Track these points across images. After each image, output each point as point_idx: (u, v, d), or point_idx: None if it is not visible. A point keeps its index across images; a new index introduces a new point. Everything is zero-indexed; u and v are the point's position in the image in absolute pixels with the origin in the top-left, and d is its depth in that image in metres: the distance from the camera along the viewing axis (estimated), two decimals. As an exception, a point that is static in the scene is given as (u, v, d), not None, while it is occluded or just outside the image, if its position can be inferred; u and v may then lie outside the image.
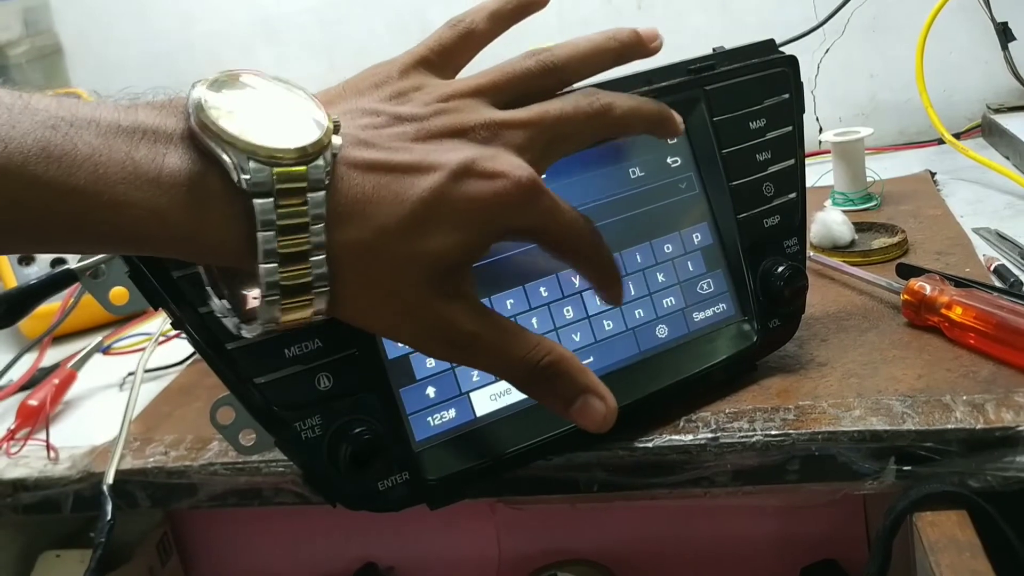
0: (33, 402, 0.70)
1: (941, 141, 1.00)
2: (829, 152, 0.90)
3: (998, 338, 0.55)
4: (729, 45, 0.57)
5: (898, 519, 0.49)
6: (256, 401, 0.46)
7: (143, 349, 0.75)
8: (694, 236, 0.58)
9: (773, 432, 0.52)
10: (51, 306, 0.75)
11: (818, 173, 0.95)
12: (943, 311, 0.59)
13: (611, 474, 0.54)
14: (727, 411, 0.55)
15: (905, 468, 0.51)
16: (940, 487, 0.49)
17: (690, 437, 0.53)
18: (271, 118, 0.37)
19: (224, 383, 0.46)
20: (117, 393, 0.76)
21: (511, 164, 0.40)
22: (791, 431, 0.52)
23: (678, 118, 0.49)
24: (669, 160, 0.57)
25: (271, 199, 0.36)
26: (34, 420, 0.68)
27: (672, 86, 0.55)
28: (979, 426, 0.50)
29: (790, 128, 0.58)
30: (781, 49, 0.58)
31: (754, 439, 0.52)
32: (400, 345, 0.50)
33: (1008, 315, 0.55)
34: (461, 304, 0.41)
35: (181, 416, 0.67)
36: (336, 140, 0.38)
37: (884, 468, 0.51)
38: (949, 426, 0.50)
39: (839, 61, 1.12)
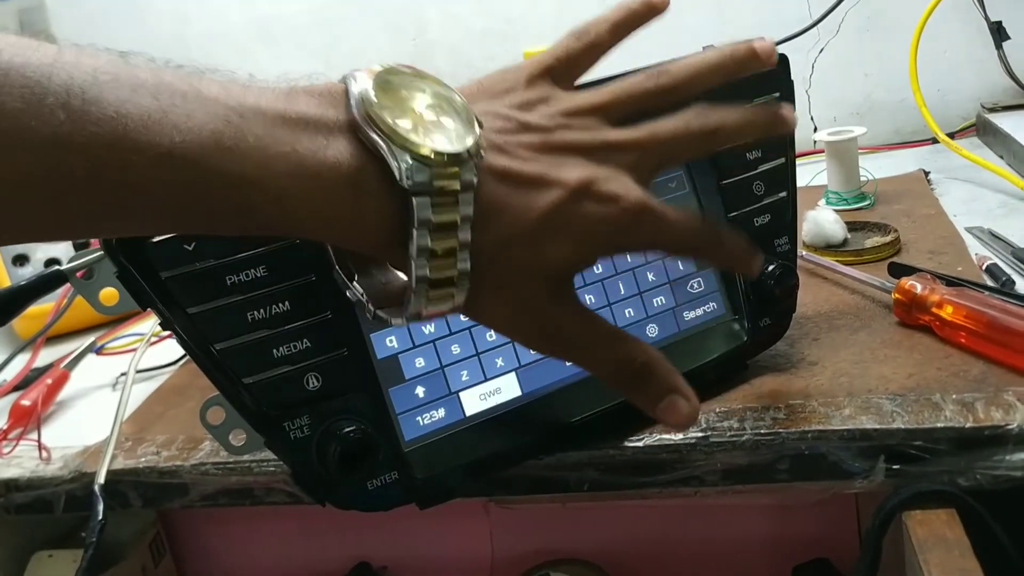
0: (26, 402, 0.70)
1: (935, 140, 1.00)
2: (823, 151, 0.90)
3: (988, 337, 0.55)
4: (712, 44, 0.57)
5: (888, 518, 0.49)
6: (245, 401, 0.46)
7: (136, 349, 0.75)
8: (685, 235, 0.58)
9: (763, 431, 0.52)
10: (44, 306, 0.75)
11: (812, 172, 0.95)
12: (934, 310, 0.59)
13: (602, 473, 0.54)
14: (717, 410, 0.55)
15: (895, 467, 0.51)
16: (929, 486, 0.49)
17: (680, 436, 0.53)
18: (433, 118, 0.38)
19: (213, 383, 0.46)
20: (109, 393, 0.76)
21: (624, 188, 0.42)
22: (781, 430, 0.52)
23: (790, 112, 0.49)
24: (659, 159, 0.57)
25: (428, 198, 0.37)
26: (26, 420, 0.68)
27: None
28: (968, 425, 0.50)
29: (781, 127, 0.58)
30: (772, 48, 0.58)
31: (744, 438, 0.52)
32: (389, 344, 0.50)
33: (999, 314, 0.55)
34: (568, 307, 0.44)
35: (173, 416, 0.67)
36: (482, 142, 0.40)
37: (874, 467, 0.51)
38: (939, 425, 0.50)
39: (833, 60, 1.12)
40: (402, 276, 0.43)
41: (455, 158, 0.37)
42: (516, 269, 0.41)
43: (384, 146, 0.37)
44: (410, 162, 0.36)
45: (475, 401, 0.52)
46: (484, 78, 0.47)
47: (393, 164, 0.36)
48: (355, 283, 0.43)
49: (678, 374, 0.45)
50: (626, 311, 0.56)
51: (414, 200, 0.37)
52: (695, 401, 0.45)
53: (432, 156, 0.37)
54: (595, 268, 0.55)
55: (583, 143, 0.43)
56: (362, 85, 0.38)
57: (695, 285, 0.58)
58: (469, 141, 0.38)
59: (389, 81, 0.39)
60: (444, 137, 0.38)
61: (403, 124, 0.37)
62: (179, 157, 0.34)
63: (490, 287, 0.41)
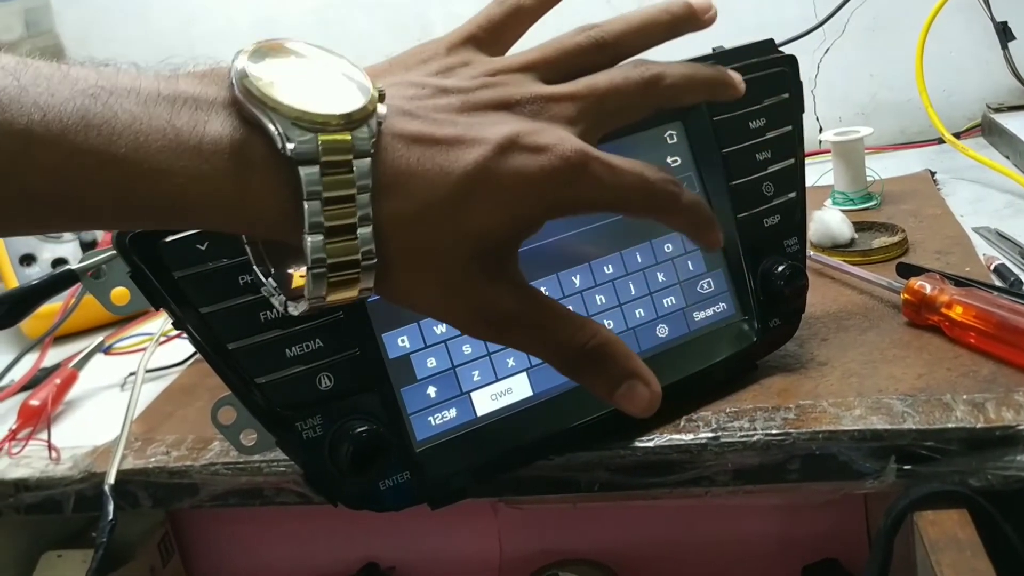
0: (35, 402, 0.70)
1: (941, 140, 1.00)
2: (829, 152, 0.90)
3: (998, 337, 0.55)
4: (729, 45, 0.57)
5: (899, 518, 0.49)
6: (257, 401, 0.46)
7: (144, 349, 0.75)
8: (694, 236, 0.58)
9: (774, 431, 0.52)
10: (52, 306, 0.75)
11: (818, 172, 0.95)
12: (943, 310, 0.59)
13: (612, 474, 0.54)
14: (728, 410, 0.55)
15: (905, 467, 0.51)
16: (941, 486, 0.49)
17: (691, 436, 0.53)
18: (316, 84, 0.36)
19: (225, 383, 0.47)
20: (118, 393, 0.76)
21: (557, 137, 0.39)
22: (792, 430, 0.52)
23: (737, 77, 0.47)
24: (669, 160, 0.57)
25: (316, 167, 0.35)
26: (36, 420, 0.68)
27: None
28: (979, 425, 0.50)
29: (790, 127, 0.58)
30: (781, 49, 0.58)
31: (755, 438, 0.52)
32: (401, 344, 0.50)
33: (1008, 314, 0.55)
34: (507, 284, 0.40)
35: (182, 416, 0.67)
36: (381, 109, 0.37)
37: (885, 467, 0.51)
38: (949, 425, 0.50)
39: (839, 61, 1.12)
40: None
41: (344, 121, 0.35)
42: (437, 243, 0.37)
43: (261, 115, 0.34)
44: (292, 130, 0.34)
45: (486, 401, 0.52)
46: (399, 54, 0.44)
47: (272, 130, 0.34)
48: (269, 278, 0.40)
49: (635, 356, 0.43)
50: (636, 311, 0.56)
51: (301, 170, 0.34)
52: (656, 386, 0.42)
53: (316, 119, 0.35)
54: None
55: (509, 98, 0.40)
56: (240, 61, 0.35)
57: (705, 286, 0.58)
58: (357, 103, 0.36)
59: (268, 53, 0.36)
60: (328, 102, 0.35)
61: (280, 92, 0.35)
62: (39, 135, 0.31)
63: (407, 266, 0.38)
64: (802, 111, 0.58)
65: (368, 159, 0.36)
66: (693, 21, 0.47)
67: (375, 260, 0.36)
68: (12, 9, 1.22)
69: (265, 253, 0.40)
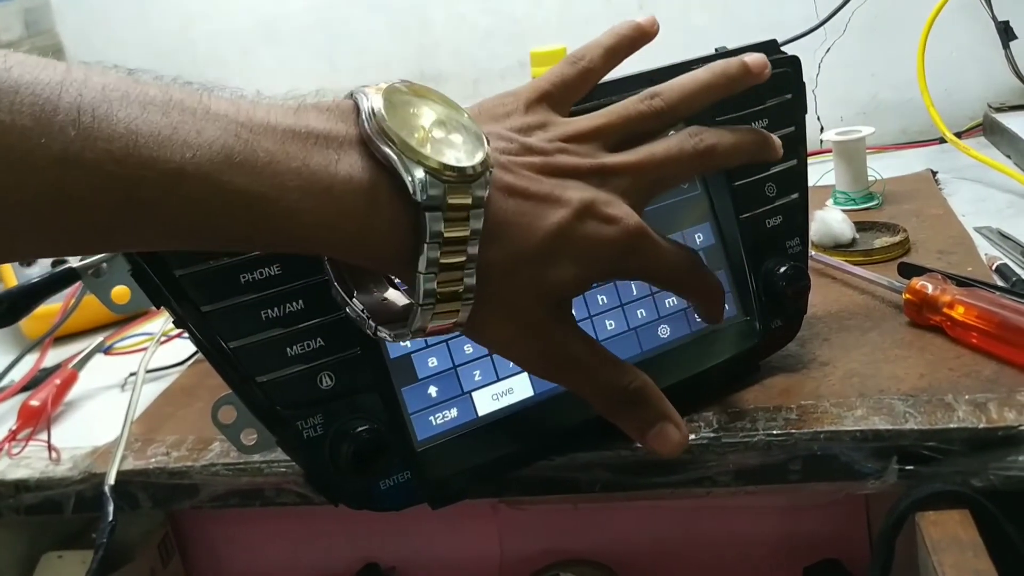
0: (35, 403, 0.70)
1: (942, 140, 1.00)
2: (830, 151, 0.90)
3: (1001, 337, 0.55)
4: (731, 45, 0.57)
5: (901, 518, 0.49)
6: (258, 400, 0.46)
7: (145, 349, 0.75)
8: (696, 236, 0.58)
9: (775, 432, 0.52)
10: (52, 306, 0.75)
11: (819, 172, 0.95)
12: (945, 310, 0.59)
13: (613, 474, 0.54)
14: (729, 411, 0.55)
15: (907, 468, 0.51)
16: (942, 487, 0.49)
17: (692, 436, 0.53)
18: (442, 134, 0.38)
19: (226, 382, 0.47)
20: (119, 393, 0.75)
21: (624, 211, 0.43)
22: (793, 431, 0.52)
23: (777, 141, 0.51)
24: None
25: (440, 212, 0.37)
26: (36, 421, 0.68)
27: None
28: (981, 425, 0.50)
29: (792, 128, 0.58)
30: (783, 49, 0.58)
31: (756, 439, 0.52)
32: (404, 345, 0.50)
33: (1011, 314, 0.55)
34: (571, 330, 0.44)
35: (183, 416, 0.67)
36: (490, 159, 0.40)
37: (886, 468, 0.51)
38: (951, 425, 0.50)
39: (840, 60, 1.12)
40: (400, 294, 0.43)
41: (467, 173, 0.38)
42: (521, 287, 0.41)
43: (397, 159, 0.37)
44: (423, 176, 0.37)
45: (487, 401, 0.52)
46: (483, 101, 0.47)
47: (407, 178, 0.37)
48: (354, 299, 0.43)
49: (667, 400, 0.46)
50: (638, 312, 0.56)
51: (427, 215, 0.37)
52: (685, 428, 0.46)
53: (444, 170, 0.37)
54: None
55: (581, 167, 0.44)
56: (372, 100, 0.38)
57: (706, 285, 0.58)
58: (479, 156, 0.39)
59: (398, 97, 0.39)
60: (455, 153, 0.38)
61: (414, 139, 0.37)
62: (191, 173, 0.34)
63: (494, 304, 0.41)
64: (805, 112, 0.58)
65: (482, 209, 0.39)
66: (749, 80, 0.50)
67: (472, 298, 0.40)
68: (12, 9, 1.22)
69: (347, 275, 0.43)
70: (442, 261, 0.38)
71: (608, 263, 0.43)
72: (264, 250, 0.40)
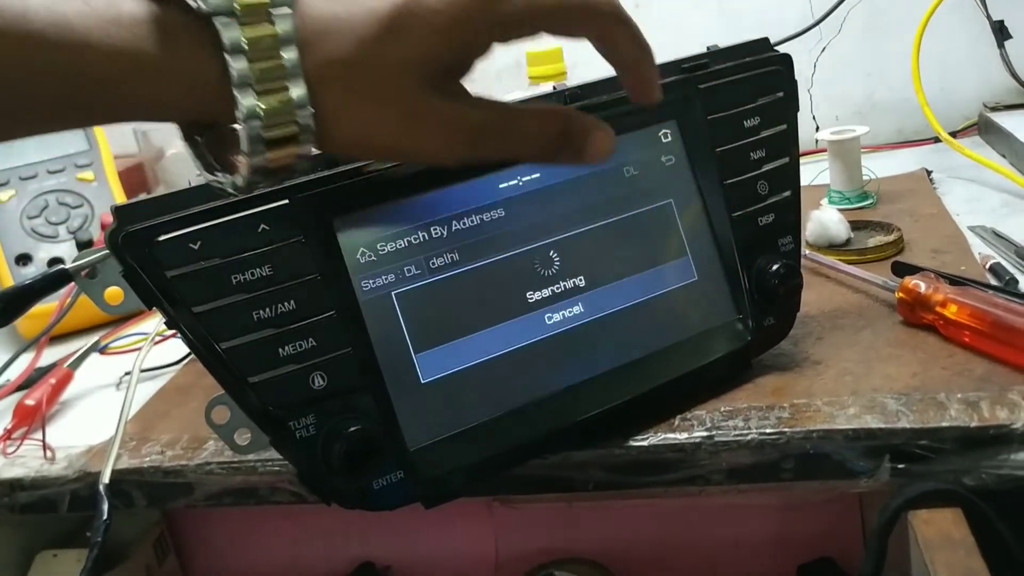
0: (30, 402, 0.70)
1: (937, 139, 1.00)
2: (825, 151, 0.90)
3: (993, 336, 0.55)
4: (725, 44, 0.57)
5: (893, 517, 0.49)
6: (251, 400, 0.46)
7: (140, 349, 0.75)
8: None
9: (768, 430, 0.52)
10: (48, 306, 0.75)
11: (814, 172, 0.95)
12: (938, 309, 0.59)
13: (607, 473, 0.54)
14: (722, 409, 0.55)
15: (900, 466, 0.51)
16: (935, 485, 0.49)
17: (685, 435, 0.53)
18: None
19: (219, 382, 0.47)
20: (114, 393, 0.76)
21: None
22: (786, 429, 0.52)
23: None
24: (663, 159, 0.57)
25: (234, 18, 0.34)
26: (31, 420, 0.68)
27: (666, 84, 0.55)
28: (974, 424, 0.50)
29: (784, 126, 0.58)
30: (776, 48, 0.58)
31: (749, 437, 0.52)
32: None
33: (1003, 313, 0.55)
34: (467, 99, 0.40)
35: (177, 416, 0.67)
36: None
37: (879, 466, 0.51)
38: (944, 424, 0.50)
39: (836, 60, 1.12)
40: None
41: None
42: (382, 75, 0.37)
43: None
44: None
45: (480, 400, 0.52)
46: None
47: None
48: (216, 173, 0.39)
49: (586, 115, 0.43)
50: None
51: (217, 23, 0.34)
52: (609, 129, 0.43)
53: None
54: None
55: None
56: None
57: (699, 284, 0.58)
58: None
59: None
60: None
61: None
62: None
63: (359, 108, 0.37)
64: (797, 110, 0.58)
65: (286, 7, 0.35)
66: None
67: (312, 111, 0.36)
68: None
69: (207, 149, 0.40)
70: (255, 74, 0.35)
71: (475, 18, 0.38)
72: (65, 106, 0.35)
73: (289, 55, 0.35)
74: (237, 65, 0.35)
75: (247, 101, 0.35)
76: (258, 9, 0.35)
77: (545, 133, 0.42)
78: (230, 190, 0.39)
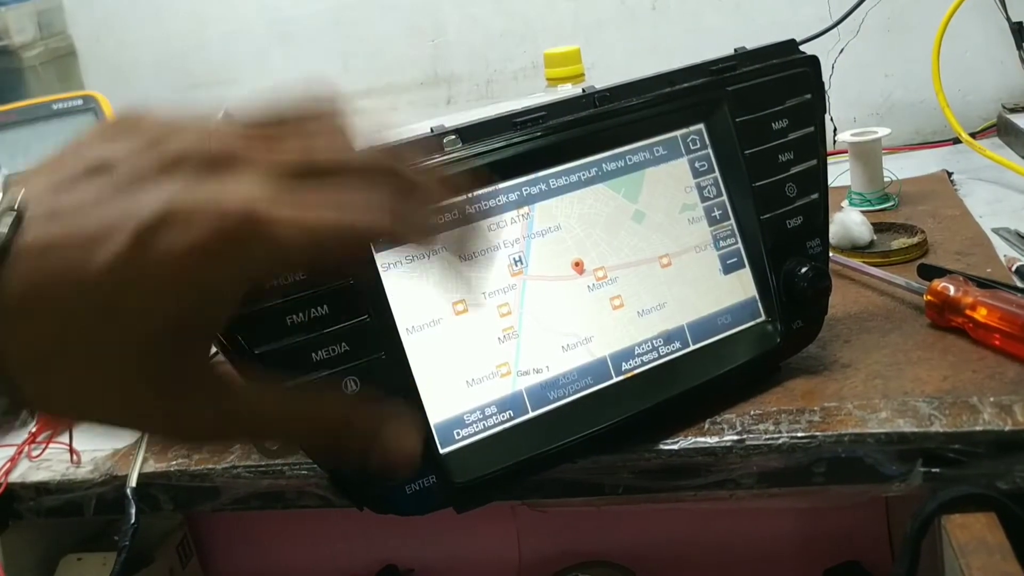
0: (54, 405, 0.70)
1: (956, 141, 1.00)
2: (845, 152, 0.90)
3: (1024, 339, 0.55)
4: (748, 45, 0.57)
5: (927, 521, 0.49)
6: (284, 405, 0.46)
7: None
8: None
9: (799, 434, 0.52)
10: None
11: (834, 173, 0.95)
12: (967, 312, 0.58)
13: (637, 477, 0.54)
14: (752, 413, 0.55)
15: (933, 470, 0.51)
16: (969, 489, 0.49)
17: (715, 439, 0.53)
18: None
19: (252, 387, 0.46)
20: (137, 396, 0.76)
21: (212, 194, 0.30)
22: (817, 433, 0.52)
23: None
24: (697, 163, 0.57)
25: None
26: (56, 423, 0.68)
27: (694, 87, 0.55)
28: (1007, 428, 0.50)
29: (812, 128, 0.58)
30: (801, 49, 0.58)
31: (780, 441, 0.52)
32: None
33: (1034, 316, 0.55)
34: (214, 378, 0.33)
35: (202, 419, 0.67)
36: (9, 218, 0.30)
37: (911, 470, 0.51)
38: (977, 428, 0.50)
39: (854, 61, 1.11)
40: None
41: None
42: (99, 356, 0.30)
43: None
44: None
45: (511, 404, 0.52)
46: None
47: None
48: None
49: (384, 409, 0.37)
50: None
51: None
52: (416, 425, 0.37)
53: None
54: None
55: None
56: None
57: (728, 287, 0.58)
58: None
59: None
60: None
61: None
62: None
63: (65, 393, 0.31)
64: (824, 112, 0.58)
65: None
66: None
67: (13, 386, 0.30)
68: (25, 11, 1.22)
69: None
70: None
71: (207, 278, 0.30)
72: None
73: None
74: None
75: None
76: None
77: (325, 425, 0.36)
78: None
